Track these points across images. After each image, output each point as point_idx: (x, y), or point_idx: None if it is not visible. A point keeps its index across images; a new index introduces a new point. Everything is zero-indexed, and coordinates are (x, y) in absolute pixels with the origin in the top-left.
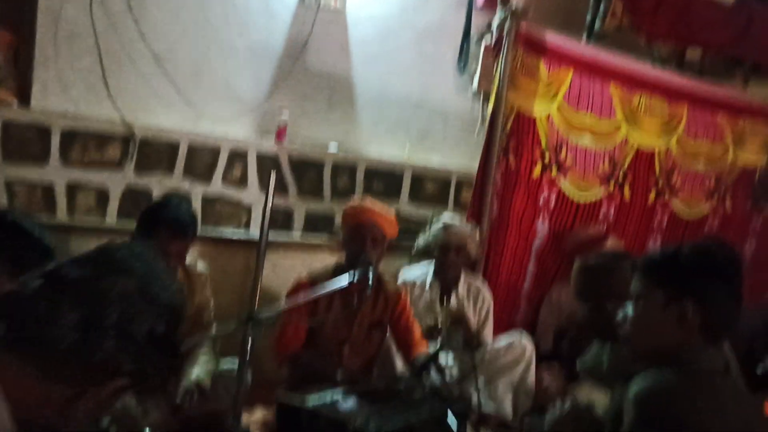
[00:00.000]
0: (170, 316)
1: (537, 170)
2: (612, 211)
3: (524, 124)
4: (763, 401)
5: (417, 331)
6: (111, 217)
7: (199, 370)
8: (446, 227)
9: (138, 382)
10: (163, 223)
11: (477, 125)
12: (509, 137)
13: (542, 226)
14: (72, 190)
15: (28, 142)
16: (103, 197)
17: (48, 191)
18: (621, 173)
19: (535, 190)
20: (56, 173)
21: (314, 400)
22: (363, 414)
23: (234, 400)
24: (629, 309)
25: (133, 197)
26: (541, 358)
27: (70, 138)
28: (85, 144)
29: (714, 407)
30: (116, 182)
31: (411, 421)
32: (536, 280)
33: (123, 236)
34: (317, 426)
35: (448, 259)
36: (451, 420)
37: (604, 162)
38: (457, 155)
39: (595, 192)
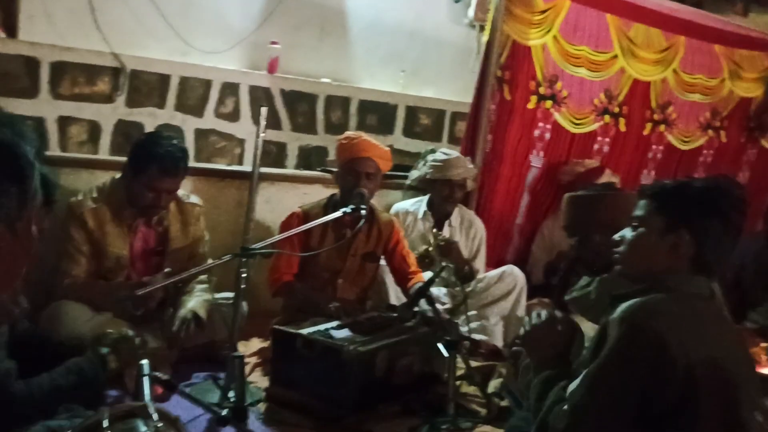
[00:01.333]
0: None
1: (532, 102)
2: (607, 143)
3: (520, 54)
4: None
5: (412, 261)
6: (104, 150)
7: (195, 302)
8: (449, 161)
9: None
10: (154, 160)
11: (472, 56)
12: (504, 68)
13: (537, 159)
14: (63, 123)
15: (17, 75)
16: (95, 130)
17: (39, 124)
18: (616, 105)
19: (530, 123)
20: (47, 106)
21: (309, 328)
22: (356, 341)
23: (230, 330)
24: (627, 232)
25: (124, 131)
26: (532, 291)
27: (59, 70)
28: (74, 77)
29: (696, 328)
30: (107, 115)
31: (398, 342)
32: (529, 213)
33: (114, 170)
34: (312, 352)
35: (451, 194)
36: (443, 347)
37: (599, 93)
38: (451, 88)
39: (591, 124)
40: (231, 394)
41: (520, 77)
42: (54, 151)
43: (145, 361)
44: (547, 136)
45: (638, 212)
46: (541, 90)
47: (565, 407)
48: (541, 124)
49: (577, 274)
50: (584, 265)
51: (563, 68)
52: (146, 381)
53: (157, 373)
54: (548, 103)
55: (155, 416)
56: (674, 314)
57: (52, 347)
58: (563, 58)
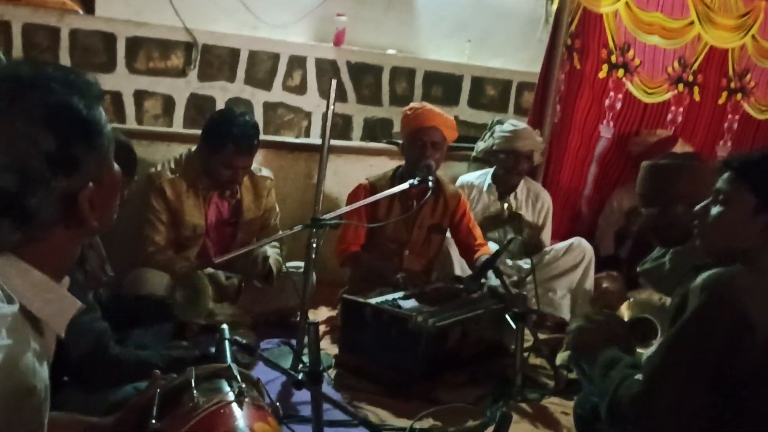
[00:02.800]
0: None
1: (603, 71)
2: (681, 112)
3: (591, 22)
4: None
5: (478, 233)
6: (177, 123)
7: (270, 253)
8: (516, 133)
9: None
10: (229, 140)
11: (540, 25)
12: (574, 37)
13: (606, 130)
14: (139, 97)
15: (96, 51)
16: (169, 104)
17: (117, 98)
18: (691, 73)
19: (601, 92)
20: (123, 81)
21: (376, 297)
22: (423, 311)
23: (301, 298)
24: (711, 207)
25: (197, 104)
26: (601, 264)
27: (134, 46)
28: (149, 52)
29: None
30: (181, 89)
31: (467, 318)
32: (598, 185)
33: (189, 142)
34: (380, 322)
35: (516, 166)
36: (510, 319)
37: (673, 62)
38: (518, 57)
39: (664, 93)
40: (304, 359)
41: (590, 45)
42: (131, 124)
43: (225, 326)
44: (618, 105)
45: (724, 187)
46: (613, 58)
47: (638, 376)
48: (612, 94)
49: (649, 246)
50: (658, 236)
51: (636, 36)
52: (227, 345)
53: (237, 338)
54: (620, 72)
55: (239, 377)
56: (756, 286)
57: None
58: (635, 25)
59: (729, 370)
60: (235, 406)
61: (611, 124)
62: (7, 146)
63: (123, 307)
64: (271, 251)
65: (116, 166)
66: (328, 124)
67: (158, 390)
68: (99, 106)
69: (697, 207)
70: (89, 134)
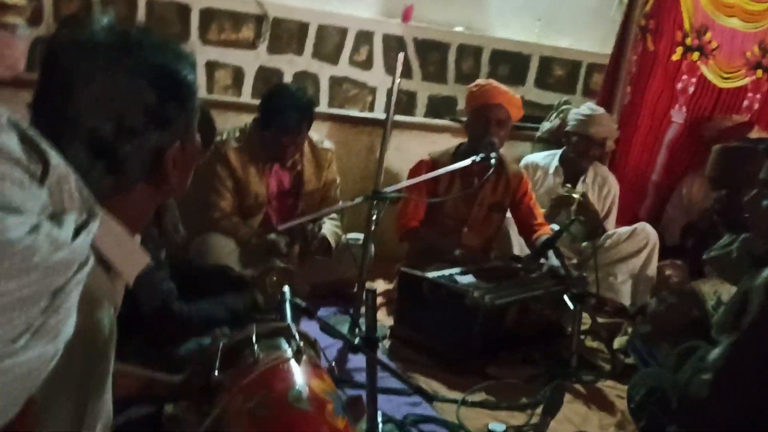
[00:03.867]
0: None
1: (677, 53)
2: (758, 99)
3: (667, 2)
4: None
5: (539, 213)
6: (246, 95)
7: (326, 229)
8: (593, 118)
9: None
10: (276, 118)
11: (614, 4)
12: (649, 17)
13: (678, 114)
14: (210, 68)
15: (170, 21)
16: (239, 75)
17: None
18: None
19: (674, 75)
20: (196, 51)
21: (435, 272)
22: (481, 287)
23: (359, 268)
24: (763, 199)
25: (265, 76)
26: (665, 253)
27: (207, 17)
28: (221, 23)
29: None
30: (250, 61)
31: (526, 298)
32: (667, 170)
33: (257, 112)
34: (437, 296)
35: (588, 151)
36: (569, 300)
37: (753, 46)
38: (589, 38)
39: (741, 78)
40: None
41: (665, 27)
42: (202, 94)
43: (287, 288)
44: (691, 89)
45: None
46: (688, 41)
47: (706, 376)
48: (685, 77)
49: (716, 232)
50: (725, 220)
51: (714, 18)
52: (288, 306)
53: (297, 300)
54: (695, 55)
55: (297, 336)
56: None
57: (201, 273)
58: (714, 7)
59: None
60: (293, 362)
61: (683, 108)
62: (111, 95)
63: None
64: (329, 225)
65: (198, 136)
66: (393, 96)
67: (220, 344)
68: (194, 74)
69: (747, 197)
70: (183, 96)
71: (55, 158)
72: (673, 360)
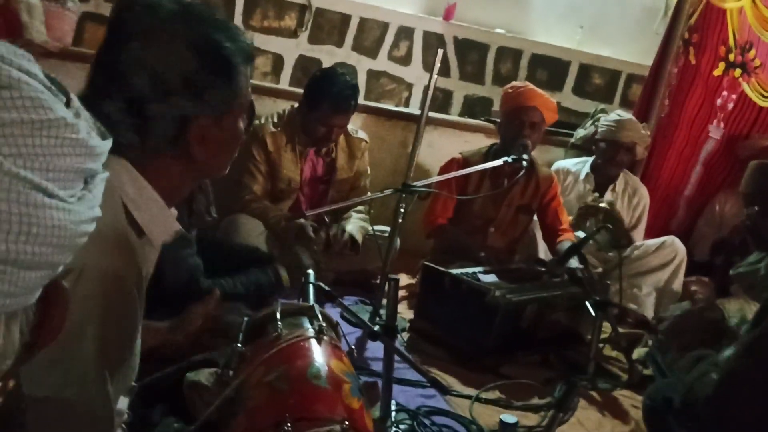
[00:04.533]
0: None
1: (719, 69)
2: None
3: (712, 16)
4: None
5: (564, 219)
6: (284, 82)
7: (352, 225)
8: (620, 123)
9: None
10: (327, 98)
11: (658, 16)
12: (693, 30)
13: (716, 130)
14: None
15: (215, 6)
16: (278, 63)
17: None
18: None
19: (714, 90)
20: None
21: (458, 269)
22: (502, 287)
23: (383, 260)
24: None
25: (304, 66)
26: (694, 269)
27: (251, 3)
28: (265, 11)
29: None
30: (291, 50)
31: (547, 298)
32: (701, 186)
33: (294, 99)
34: (457, 292)
35: (617, 157)
36: (590, 307)
37: None
38: (631, 48)
39: None
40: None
41: (709, 41)
42: None
43: (311, 271)
44: (731, 106)
45: None
46: (731, 57)
47: (714, 375)
48: (725, 93)
49: (746, 250)
50: (756, 237)
51: (759, 35)
52: (311, 288)
53: (320, 283)
54: (737, 72)
55: (320, 317)
56: None
57: (229, 253)
58: (761, 24)
59: None
60: (314, 341)
61: (722, 124)
62: (157, 55)
63: (222, 253)
64: (355, 220)
65: (241, 124)
66: (430, 93)
67: (246, 318)
68: (245, 65)
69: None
70: (223, 72)
71: (73, 96)
72: (685, 366)
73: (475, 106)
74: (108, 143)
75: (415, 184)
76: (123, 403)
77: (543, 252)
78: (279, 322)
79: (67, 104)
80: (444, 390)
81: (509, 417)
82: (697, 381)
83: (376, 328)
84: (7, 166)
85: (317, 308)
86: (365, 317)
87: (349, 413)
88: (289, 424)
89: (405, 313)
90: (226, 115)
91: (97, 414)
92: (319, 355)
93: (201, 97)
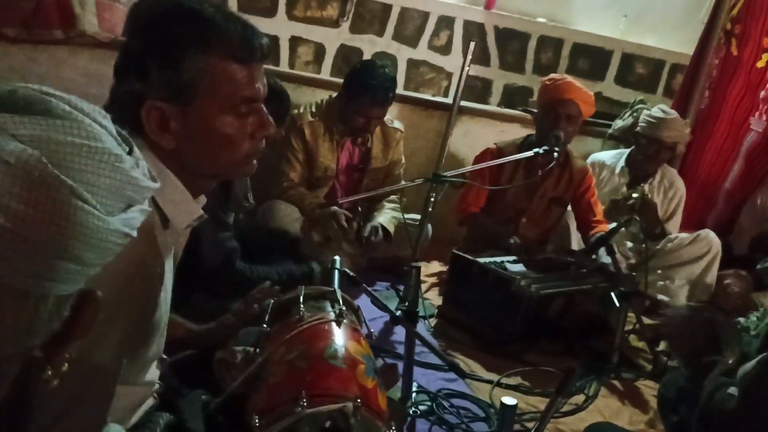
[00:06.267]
0: None
1: (762, 60)
2: None
3: (756, 7)
4: None
5: (598, 211)
6: (325, 71)
7: (384, 217)
8: (664, 122)
9: None
10: (366, 90)
11: (705, 4)
12: (735, 21)
13: (758, 123)
14: (294, 42)
15: None
16: (320, 52)
17: (274, 42)
18: None
19: (757, 82)
20: (282, 26)
21: (486, 258)
22: (528, 277)
23: (414, 247)
24: None
25: (345, 55)
26: (732, 263)
27: None
28: (308, 1)
29: None
30: (332, 39)
31: (571, 291)
32: (741, 180)
33: (332, 89)
34: (485, 280)
35: (658, 156)
36: (615, 297)
37: None
38: (676, 38)
39: None
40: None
41: (752, 32)
42: (284, 68)
43: (337, 257)
44: None
45: None
46: None
47: (732, 389)
48: None
49: None
50: None
51: None
52: (337, 273)
53: (346, 269)
54: None
55: (341, 301)
56: None
57: (266, 237)
58: None
59: None
60: (334, 324)
61: (764, 117)
62: (128, 37)
63: (256, 238)
64: (388, 211)
65: (231, 119)
66: (462, 83)
67: (272, 301)
68: (208, 53)
69: None
70: (165, 55)
71: (135, 147)
72: (693, 372)
73: (514, 96)
74: (154, 185)
75: (445, 174)
76: (154, 374)
77: (576, 243)
78: (302, 305)
79: (130, 152)
80: (462, 374)
81: (509, 399)
82: (710, 399)
83: (398, 313)
84: (54, 171)
85: (339, 293)
86: (395, 302)
87: (363, 392)
88: (304, 400)
89: (436, 299)
90: (192, 103)
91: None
92: (337, 337)
93: (146, 78)
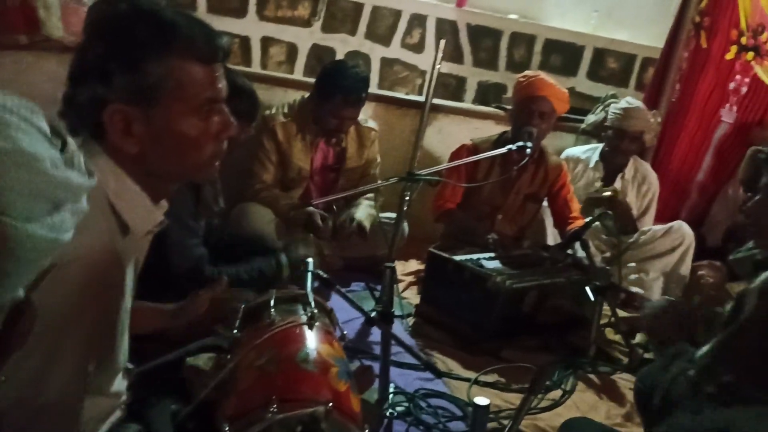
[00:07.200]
0: None
1: (731, 52)
2: None
3: (723, 0)
4: None
5: (575, 207)
6: (298, 71)
7: (361, 212)
8: (627, 111)
9: None
10: (339, 90)
11: None
12: (704, 14)
13: (728, 114)
14: (266, 43)
15: None
16: (292, 52)
17: (245, 43)
18: None
19: (726, 74)
20: (253, 26)
21: (463, 255)
22: (504, 273)
23: (390, 246)
24: (763, 203)
25: (318, 54)
26: (707, 253)
27: None
28: (279, 0)
29: None
30: (304, 39)
31: (544, 283)
32: (713, 172)
33: (305, 89)
34: (461, 277)
35: (622, 145)
36: (590, 291)
37: None
38: (647, 32)
39: None
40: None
41: (720, 25)
42: (256, 68)
43: (310, 259)
44: (744, 90)
45: None
46: (743, 40)
47: (691, 372)
48: (738, 77)
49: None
50: (752, 226)
51: None
52: (309, 275)
53: (318, 271)
54: (749, 55)
55: (313, 304)
56: None
57: (237, 242)
58: None
59: None
60: (305, 328)
61: (734, 108)
62: (85, 40)
63: (229, 244)
64: (364, 207)
65: (197, 121)
66: (433, 82)
67: (242, 305)
68: (163, 41)
69: (748, 205)
70: (127, 58)
71: (71, 140)
72: (665, 360)
73: (488, 93)
74: (90, 181)
75: (420, 172)
76: (121, 384)
77: (552, 238)
78: (272, 309)
79: (63, 148)
80: (438, 373)
81: (482, 399)
82: (673, 383)
83: (373, 314)
84: None
85: (311, 295)
86: (370, 303)
87: (335, 395)
88: (275, 405)
89: (413, 299)
90: (155, 105)
91: (68, 409)
92: (309, 340)
93: (109, 82)
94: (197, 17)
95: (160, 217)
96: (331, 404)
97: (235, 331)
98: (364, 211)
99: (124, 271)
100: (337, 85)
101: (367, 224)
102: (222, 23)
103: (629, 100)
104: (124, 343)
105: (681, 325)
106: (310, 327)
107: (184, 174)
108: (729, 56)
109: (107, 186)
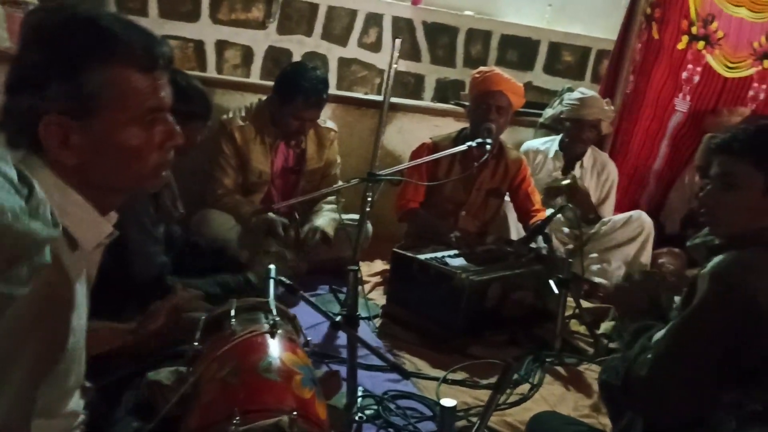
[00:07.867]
0: None
1: (683, 42)
2: (763, 89)
3: None
4: None
5: (536, 199)
6: (255, 74)
7: (322, 219)
8: (583, 101)
9: None
10: (300, 92)
11: None
12: (654, 6)
13: (682, 103)
14: (220, 46)
15: (182, 0)
16: (248, 55)
17: (199, 47)
18: None
19: (679, 64)
20: (207, 30)
21: (427, 254)
22: (469, 270)
23: (353, 248)
24: (716, 191)
25: (274, 56)
26: (666, 240)
27: None
28: (232, 3)
29: None
30: (260, 41)
31: (506, 275)
32: (669, 160)
33: (262, 93)
34: (426, 276)
35: (581, 135)
36: (554, 284)
37: (760, 36)
38: (601, 25)
39: (747, 68)
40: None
41: (671, 15)
42: (211, 73)
43: (272, 266)
44: (696, 79)
45: (726, 169)
46: (694, 30)
47: (649, 356)
48: (690, 66)
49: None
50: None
51: (722, 7)
52: (272, 283)
53: (281, 278)
54: (700, 44)
55: (275, 311)
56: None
57: (199, 249)
58: None
59: (737, 360)
60: (268, 336)
61: (687, 97)
62: (20, 50)
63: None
64: (326, 213)
65: (139, 131)
66: (390, 81)
67: (203, 317)
68: (106, 65)
69: (702, 194)
70: (62, 67)
71: (37, 188)
72: (628, 337)
73: (447, 90)
74: (54, 231)
75: (381, 172)
76: (77, 404)
77: (515, 232)
78: (233, 319)
79: (30, 195)
80: (405, 374)
81: (448, 401)
82: (634, 362)
83: (338, 318)
84: None
85: (273, 303)
86: (335, 306)
87: (299, 403)
88: (237, 417)
89: (379, 299)
90: (94, 116)
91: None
92: (272, 349)
93: (45, 92)
94: (137, 24)
95: (109, 229)
96: (295, 413)
97: (196, 343)
98: (326, 218)
99: (73, 288)
100: (297, 87)
101: (330, 231)
102: (175, 28)
103: (583, 90)
104: (77, 362)
105: (647, 294)
106: (273, 335)
107: (128, 185)
108: (681, 46)
109: (51, 201)
